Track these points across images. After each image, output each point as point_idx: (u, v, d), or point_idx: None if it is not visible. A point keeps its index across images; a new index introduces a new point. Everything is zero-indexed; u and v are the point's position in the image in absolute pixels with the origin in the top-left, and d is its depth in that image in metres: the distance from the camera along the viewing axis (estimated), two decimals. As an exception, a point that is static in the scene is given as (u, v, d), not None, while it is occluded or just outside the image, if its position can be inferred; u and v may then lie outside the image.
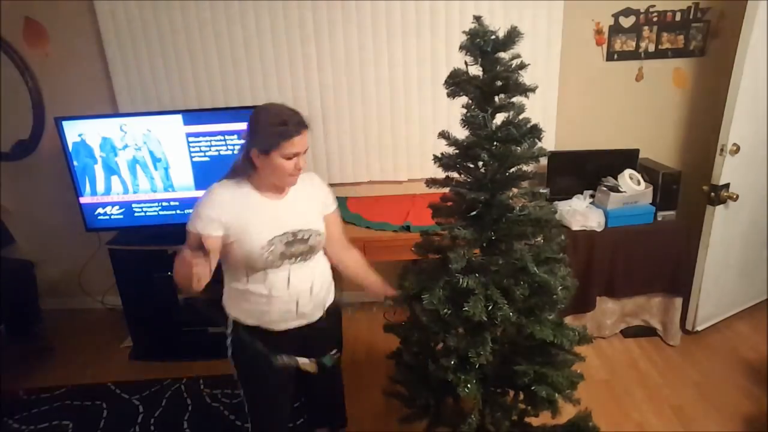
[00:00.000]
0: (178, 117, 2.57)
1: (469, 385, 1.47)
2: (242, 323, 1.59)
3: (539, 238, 1.58)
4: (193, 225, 1.48)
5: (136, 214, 2.72)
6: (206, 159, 2.63)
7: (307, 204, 1.62)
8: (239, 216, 1.49)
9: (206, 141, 2.60)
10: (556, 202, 2.53)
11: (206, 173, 2.64)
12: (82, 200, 2.69)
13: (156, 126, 2.57)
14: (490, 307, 1.43)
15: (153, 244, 2.68)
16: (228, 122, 2.57)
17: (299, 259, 1.56)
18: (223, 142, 2.60)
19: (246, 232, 1.49)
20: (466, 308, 1.41)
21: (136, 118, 2.58)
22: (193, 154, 2.62)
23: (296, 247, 1.54)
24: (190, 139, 2.59)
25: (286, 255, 1.53)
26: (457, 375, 1.48)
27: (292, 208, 1.58)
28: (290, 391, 1.71)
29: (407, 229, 2.54)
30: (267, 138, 1.44)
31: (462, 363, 1.49)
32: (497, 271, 1.53)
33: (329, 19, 2.72)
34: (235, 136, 2.59)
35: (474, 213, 1.51)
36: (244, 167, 1.53)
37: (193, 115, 2.59)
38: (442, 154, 1.58)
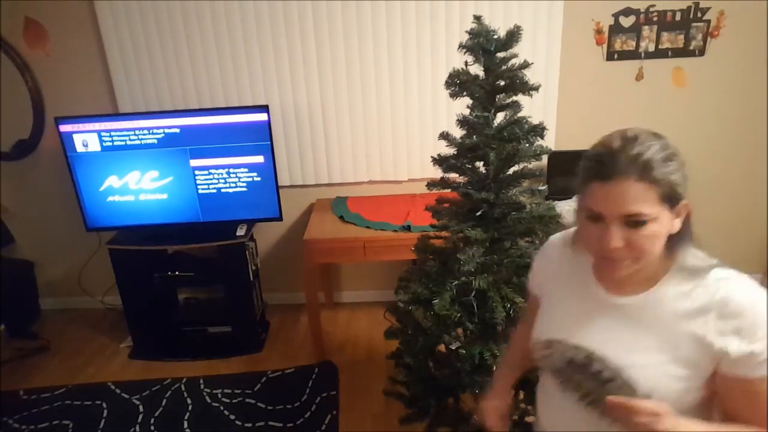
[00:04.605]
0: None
1: (486, 387, 1.48)
2: None
3: (540, 235, 1.59)
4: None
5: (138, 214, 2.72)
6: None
7: (662, 324, 0.88)
8: (549, 286, 1.06)
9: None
10: (556, 202, 2.53)
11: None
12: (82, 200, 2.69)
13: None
14: (509, 306, 1.43)
15: (153, 244, 2.69)
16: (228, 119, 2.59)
17: (588, 399, 0.94)
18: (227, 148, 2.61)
19: (541, 311, 1.06)
20: (491, 315, 1.41)
21: (135, 119, 2.58)
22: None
23: (578, 377, 0.95)
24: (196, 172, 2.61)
25: (565, 377, 0.98)
26: (473, 378, 1.48)
27: (622, 316, 0.92)
28: None
29: (407, 229, 2.54)
30: (578, 176, 0.92)
31: (475, 364, 1.50)
32: (501, 269, 1.53)
33: (329, 19, 2.71)
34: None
35: (479, 213, 1.51)
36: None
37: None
38: (439, 155, 1.58)
